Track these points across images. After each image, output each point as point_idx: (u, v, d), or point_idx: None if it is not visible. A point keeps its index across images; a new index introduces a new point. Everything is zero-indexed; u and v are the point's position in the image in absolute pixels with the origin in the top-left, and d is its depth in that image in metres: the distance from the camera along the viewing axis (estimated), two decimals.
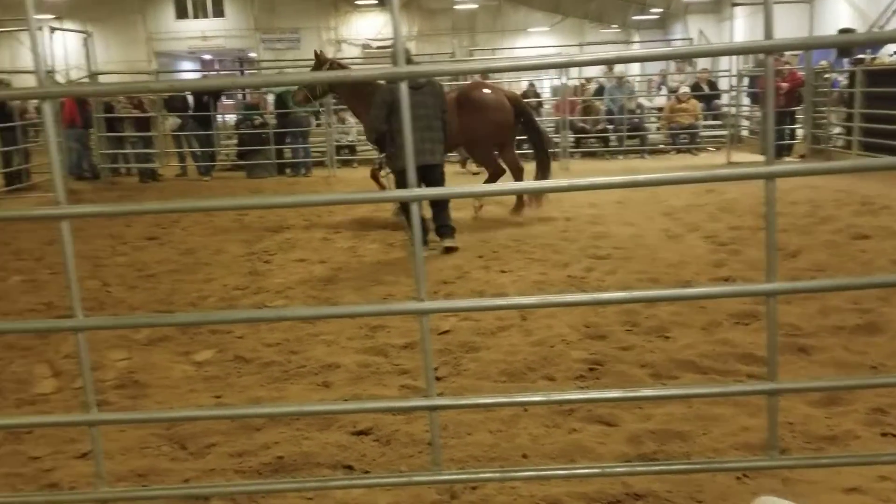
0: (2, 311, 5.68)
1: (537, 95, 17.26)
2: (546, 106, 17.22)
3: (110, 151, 13.92)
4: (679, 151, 15.22)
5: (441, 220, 7.10)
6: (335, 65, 9.41)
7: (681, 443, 3.25)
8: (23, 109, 14.01)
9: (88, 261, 7.23)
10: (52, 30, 13.72)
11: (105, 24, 29.07)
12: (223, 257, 7.29)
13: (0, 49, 31.00)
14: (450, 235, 7.10)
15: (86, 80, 13.83)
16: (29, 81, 15.37)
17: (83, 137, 14.17)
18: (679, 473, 2.89)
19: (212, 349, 4.68)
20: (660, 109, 16.26)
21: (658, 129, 16.32)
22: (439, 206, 7.11)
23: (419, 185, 6.64)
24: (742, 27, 22.18)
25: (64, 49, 14.92)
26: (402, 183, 7.05)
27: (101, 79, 14.29)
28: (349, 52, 30.87)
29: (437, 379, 3.91)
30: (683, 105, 15.05)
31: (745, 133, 16.19)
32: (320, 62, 9.01)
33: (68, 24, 21.56)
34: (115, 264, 7.13)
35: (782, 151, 13.32)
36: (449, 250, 6.97)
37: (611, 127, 15.38)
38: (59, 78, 17.25)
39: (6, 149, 12.86)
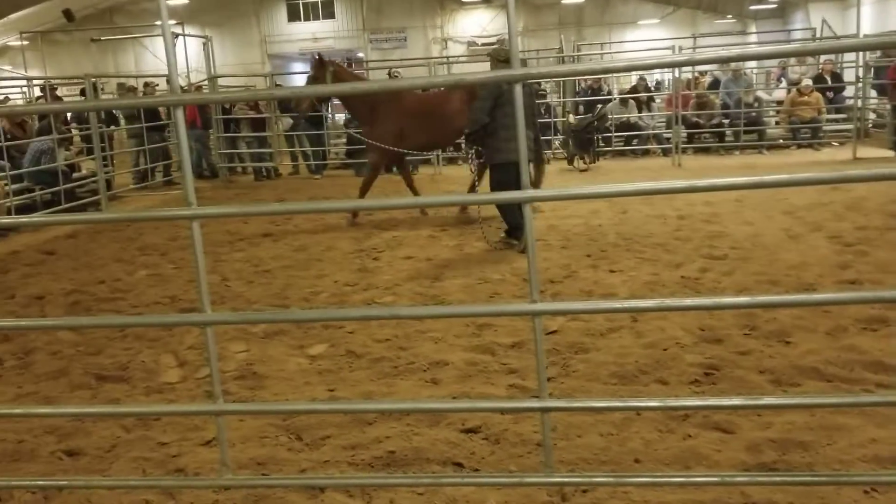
0: (130, 304, 6.04)
1: (648, 90, 16.84)
2: (657, 100, 16.78)
3: (227, 151, 14.56)
4: (800, 146, 14.51)
5: (515, 219, 7.12)
6: (339, 69, 9.42)
7: (803, 453, 3.12)
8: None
9: (208, 256, 7.58)
10: (175, 35, 14.46)
11: (222, 28, 30.44)
12: (334, 254, 7.49)
13: (125, 53, 33.00)
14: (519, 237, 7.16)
15: (205, 83, 14.50)
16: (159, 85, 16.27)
17: (203, 138, 14.88)
18: (803, 485, 2.77)
19: (325, 343, 4.83)
20: (779, 103, 15.53)
21: (777, 123, 15.60)
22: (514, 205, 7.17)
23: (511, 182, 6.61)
24: (869, 15, 20.87)
25: (185, 52, 15.69)
26: (500, 178, 7.07)
27: (220, 81, 14.93)
28: (455, 49, 31.08)
29: (547, 380, 3.89)
30: (805, 98, 14.31)
31: (871, 127, 15.25)
32: (323, 66, 8.95)
33: (189, 29, 22.71)
34: (232, 259, 7.45)
35: None
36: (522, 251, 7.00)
37: (726, 121, 14.82)
38: (181, 81, 18.14)
39: (139, 148, 13.71)
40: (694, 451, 3.15)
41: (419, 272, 6.54)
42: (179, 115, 2.61)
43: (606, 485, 2.82)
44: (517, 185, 3.78)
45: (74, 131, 13.63)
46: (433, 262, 6.91)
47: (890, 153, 12.67)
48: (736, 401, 2.51)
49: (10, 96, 19.04)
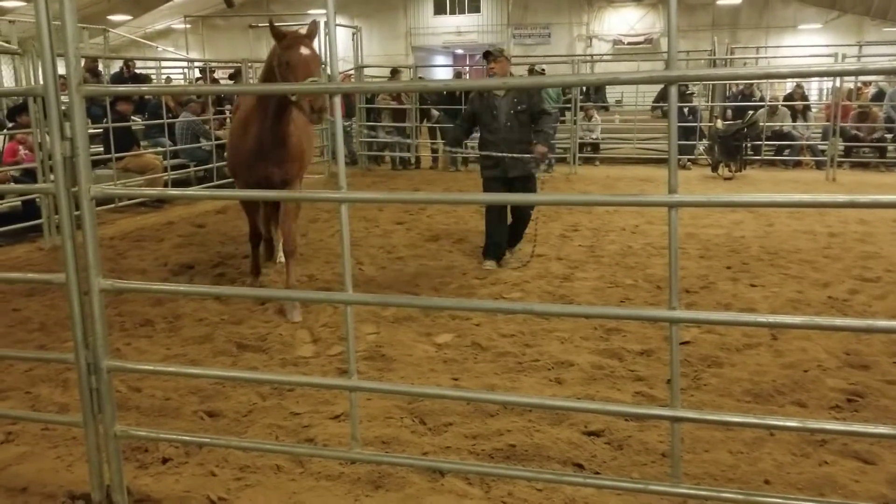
0: (272, 280, 6.36)
1: (804, 98, 15.95)
2: (814, 109, 15.85)
3: (369, 140, 15.01)
4: None
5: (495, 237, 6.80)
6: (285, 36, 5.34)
7: None
8: None
9: None
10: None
11: (370, 18, 31.28)
12: (464, 246, 7.59)
13: (267, 42, 34.59)
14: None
15: (352, 72, 14.98)
16: None
17: (346, 126, 15.41)
18: None
19: (451, 333, 4.92)
20: None
21: None
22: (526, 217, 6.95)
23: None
24: None
25: (336, 48, 16.33)
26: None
27: (366, 72, 15.38)
28: (599, 48, 30.57)
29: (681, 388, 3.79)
30: None
31: None
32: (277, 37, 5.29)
33: (339, 19, 23.48)
34: (367, 245, 7.69)
35: None
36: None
37: (889, 136, 13.81)
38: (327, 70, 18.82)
39: None
40: (830, 479, 3.00)
41: (548, 271, 6.52)
42: (337, 103, 2.75)
43: (734, 502, 2.72)
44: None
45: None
46: (563, 261, 6.87)
47: None
48: (882, 429, 2.37)
49: (173, 76, 20.40)
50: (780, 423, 2.63)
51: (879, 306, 5.26)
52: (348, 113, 15.19)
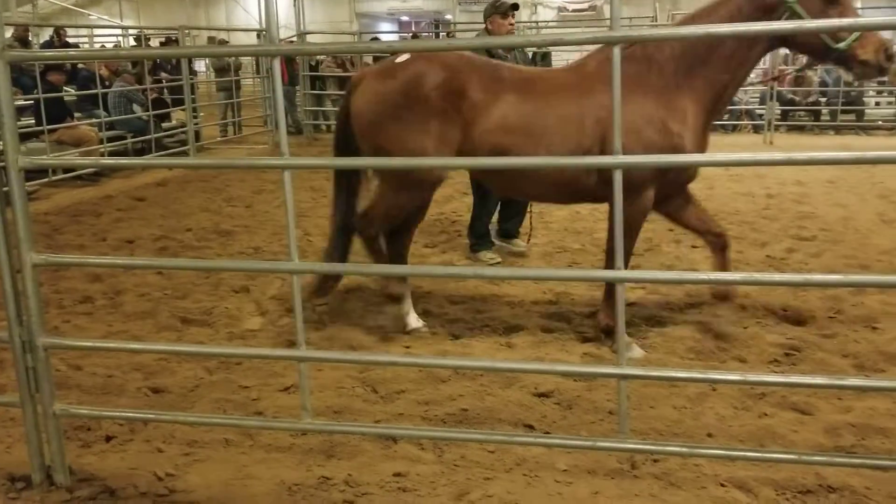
0: (215, 252, 6.25)
1: None
2: (752, 75, 16.11)
3: (313, 108, 14.77)
4: None
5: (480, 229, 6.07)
6: None
7: (884, 439, 3.05)
8: (237, 66, 15.19)
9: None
10: None
11: None
12: None
13: (217, 8, 33.64)
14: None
15: (293, 39, 14.68)
16: (242, 40, 16.59)
17: (290, 94, 15.12)
18: (882, 469, 2.71)
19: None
20: (881, 83, 14.72)
21: (878, 104, 14.80)
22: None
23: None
24: None
25: (274, 8, 15.97)
26: None
27: (308, 38, 15.09)
28: (544, 15, 30.52)
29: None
30: None
31: None
32: None
33: None
34: (315, 216, 7.58)
35: None
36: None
37: (823, 100, 14.16)
38: None
39: (228, 101, 14.08)
40: (769, 430, 3.10)
41: None
42: (276, 66, 2.68)
43: (678, 455, 2.80)
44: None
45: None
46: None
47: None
48: (818, 380, 2.45)
49: (106, 45, 19.74)
50: (722, 378, 2.71)
51: (815, 263, 5.43)
52: (291, 81, 14.92)
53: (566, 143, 3.80)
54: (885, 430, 3.09)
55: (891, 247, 5.80)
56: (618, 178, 2.47)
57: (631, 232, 3.85)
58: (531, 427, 3.23)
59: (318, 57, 14.55)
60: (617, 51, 2.35)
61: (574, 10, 28.78)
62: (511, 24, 5.80)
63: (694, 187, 8.09)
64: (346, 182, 4.36)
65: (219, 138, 13.93)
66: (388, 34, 30.18)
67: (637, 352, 3.88)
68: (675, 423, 3.20)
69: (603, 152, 3.65)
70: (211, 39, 17.42)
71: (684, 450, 2.50)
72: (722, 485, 2.73)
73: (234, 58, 14.54)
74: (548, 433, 3.17)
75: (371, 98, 4.01)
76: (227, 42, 17.24)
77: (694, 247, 6.01)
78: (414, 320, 4.40)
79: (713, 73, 3.81)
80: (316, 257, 6.02)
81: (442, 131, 3.89)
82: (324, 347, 4.19)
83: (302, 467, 2.97)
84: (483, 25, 5.95)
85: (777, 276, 2.55)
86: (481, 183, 5.23)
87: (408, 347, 4.17)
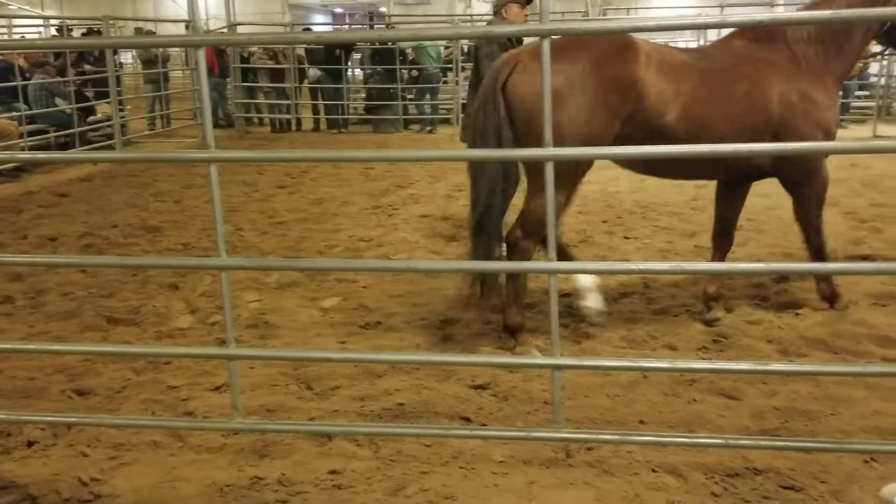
0: (143, 249, 6.08)
1: None
2: None
3: (245, 101, 14.49)
4: None
5: None
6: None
7: (806, 421, 3.15)
8: (165, 57, 14.78)
9: (223, 206, 7.50)
10: None
11: None
12: (350, 209, 7.49)
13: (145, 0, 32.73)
14: None
15: (224, 30, 14.37)
16: (171, 31, 16.16)
17: (220, 86, 14.80)
18: (804, 451, 2.80)
19: (338, 297, 4.86)
20: None
21: None
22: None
23: None
24: None
25: (204, 0, 15.59)
26: None
27: (239, 30, 14.79)
28: (479, 8, 30.62)
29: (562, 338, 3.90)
30: None
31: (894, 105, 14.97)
32: None
33: None
34: (248, 210, 7.46)
35: None
36: None
37: None
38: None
39: (155, 94, 13.69)
40: (699, 416, 3.18)
41: (435, 231, 6.54)
42: (201, 56, 2.60)
43: (611, 443, 2.85)
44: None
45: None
46: (450, 221, 6.90)
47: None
48: (744, 365, 2.52)
49: (27, 36, 18.95)
50: (652, 365, 2.75)
51: (741, 252, 5.58)
52: (222, 73, 14.61)
53: (744, 122, 3.85)
54: (807, 412, 3.19)
55: None
56: (549, 170, 2.49)
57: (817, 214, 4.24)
58: (468, 419, 3.24)
59: (250, 48, 14.27)
60: (546, 43, 2.36)
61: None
62: (526, 17, 5.52)
63: (627, 180, 8.25)
64: (505, 180, 3.84)
65: (147, 132, 13.54)
66: (321, 26, 29.85)
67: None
68: (609, 411, 3.25)
69: (771, 126, 3.85)
70: (138, 30, 16.90)
71: (616, 437, 2.54)
72: (654, 470, 2.79)
73: (161, 49, 14.15)
74: (484, 425, 3.18)
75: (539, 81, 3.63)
76: (154, 33, 16.77)
77: (626, 238, 6.12)
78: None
79: (845, 58, 4.12)
80: (248, 252, 5.92)
81: (615, 113, 3.65)
82: (257, 345, 4.11)
83: (234, 468, 2.90)
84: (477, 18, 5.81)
85: (703, 266, 2.62)
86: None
87: (343, 343, 4.13)
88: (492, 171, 3.76)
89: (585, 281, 3.97)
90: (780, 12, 9.18)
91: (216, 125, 14.42)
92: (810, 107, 3.97)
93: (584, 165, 3.83)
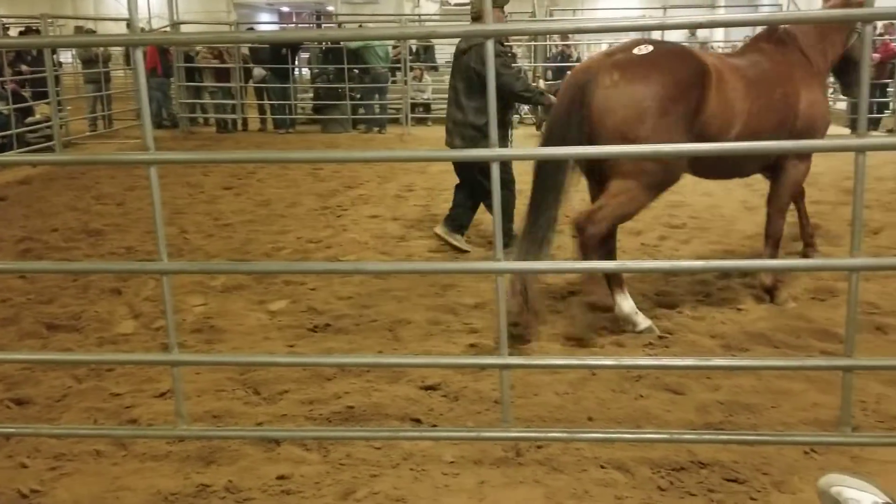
0: (84, 254, 5.93)
1: None
2: None
3: (189, 101, 14.23)
4: None
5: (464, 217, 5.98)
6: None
7: (749, 415, 3.22)
8: (107, 57, 14.44)
9: (167, 208, 7.45)
10: None
11: None
12: (298, 210, 7.42)
13: None
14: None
15: (167, 29, 14.11)
16: (112, 30, 15.79)
17: (164, 86, 14.52)
18: (747, 444, 2.87)
19: (286, 300, 4.80)
20: None
21: None
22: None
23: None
24: None
25: None
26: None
27: (183, 29, 14.52)
28: (427, 8, 30.62)
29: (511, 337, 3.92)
30: None
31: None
32: None
33: None
34: (193, 212, 7.34)
35: (870, 125, 12.69)
36: None
37: None
38: (142, 27, 17.68)
39: (96, 94, 13.36)
40: (645, 411, 3.22)
41: (385, 231, 6.52)
42: (139, 56, 2.55)
43: (560, 440, 2.87)
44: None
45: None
46: (399, 221, 6.89)
47: (846, 132, 12.91)
48: (688, 361, 2.57)
49: None
50: (598, 363, 2.79)
51: (685, 250, 5.70)
52: (166, 72, 14.33)
53: (783, 125, 4.24)
54: (750, 405, 3.27)
55: (753, 232, 6.15)
56: (495, 170, 2.50)
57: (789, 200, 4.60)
58: (418, 421, 3.23)
59: (196, 47, 14.03)
60: (490, 44, 2.37)
61: (456, 4, 29.01)
62: (503, 18, 5.72)
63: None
64: (562, 180, 3.95)
65: (88, 133, 13.21)
66: (267, 25, 29.50)
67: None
68: (558, 408, 3.28)
69: (798, 124, 4.26)
70: (78, 29, 16.45)
71: (565, 435, 2.56)
72: (602, 466, 2.82)
73: (102, 48, 13.81)
74: (434, 426, 3.17)
75: (631, 94, 3.78)
76: (95, 32, 16.33)
77: (574, 236, 6.16)
78: (643, 319, 4.10)
79: (828, 62, 4.56)
80: (193, 255, 5.81)
81: (687, 131, 3.82)
82: (203, 350, 4.04)
83: (179, 475, 2.84)
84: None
85: (647, 264, 2.68)
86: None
87: (291, 346, 4.08)
88: (554, 176, 3.88)
89: (624, 310, 4.14)
90: (721, 14, 9.42)
91: (160, 126, 14.15)
92: (822, 106, 4.48)
93: (674, 175, 4.04)
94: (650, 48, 3.88)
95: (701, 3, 30.14)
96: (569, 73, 4.64)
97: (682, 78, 3.83)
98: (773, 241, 4.59)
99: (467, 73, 5.50)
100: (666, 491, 2.69)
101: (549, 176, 3.90)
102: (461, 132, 5.56)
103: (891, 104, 13.32)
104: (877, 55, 12.60)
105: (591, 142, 3.77)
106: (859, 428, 3.03)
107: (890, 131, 12.75)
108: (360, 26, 16.69)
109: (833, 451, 2.87)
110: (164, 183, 8.65)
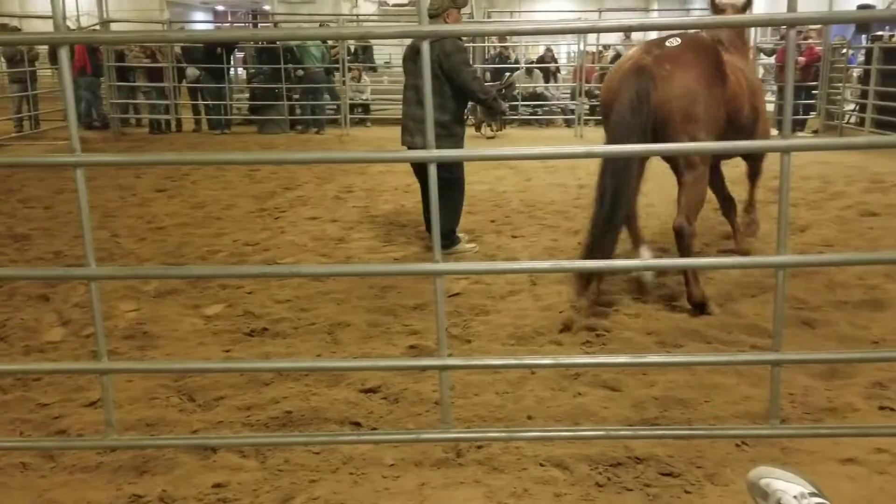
0: (11, 259, 5.71)
1: (554, 60, 17.06)
2: (563, 72, 17.03)
3: (121, 101, 13.85)
4: None
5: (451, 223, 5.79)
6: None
7: (683, 409, 3.28)
8: (33, 56, 13.96)
9: (98, 211, 7.25)
10: None
11: None
12: (234, 212, 7.29)
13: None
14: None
15: (97, 27, 13.72)
16: (39, 28, 15.25)
17: (94, 86, 14.11)
18: (681, 438, 2.93)
19: (221, 304, 4.71)
20: None
21: None
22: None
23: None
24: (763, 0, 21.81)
25: None
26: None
27: (113, 27, 14.13)
28: (365, 9, 30.49)
29: (448, 339, 3.92)
30: None
31: None
32: None
33: None
34: (124, 216, 7.14)
35: (796, 126, 13.19)
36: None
37: None
38: (70, 25, 17.14)
39: (22, 94, 12.90)
40: (583, 408, 3.26)
41: (324, 233, 6.45)
42: (63, 55, 2.46)
43: (499, 440, 2.88)
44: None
45: None
46: (338, 223, 6.84)
47: (774, 132, 13.35)
48: (622, 359, 2.61)
49: None
50: (536, 362, 2.81)
51: (620, 248, 5.78)
52: (95, 72, 13.92)
53: (757, 109, 4.82)
54: (684, 400, 3.33)
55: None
56: (432, 171, 2.50)
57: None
58: (358, 424, 3.20)
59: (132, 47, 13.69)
60: (426, 45, 2.36)
61: (394, 5, 28.97)
62: (461, 18, 5.84)
63: (514, 180, 8.42)
64: (634, 177, 4.44)
65: (14, 134, 12.74)
66: (202, 24, 28.93)
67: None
68: (498, 408, 3.29)
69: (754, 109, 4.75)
70: (3, 27, 15.87)
71: (504, 434, 2.57)
72: (541, 464, 2.84)
73: (27, 47, 13.33)
74: (374, 429, 3.15)
75: (689, 82, 4.25)
76: (20, 30, 15.77)
77: (514, 236, 6.23)
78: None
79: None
80: (125, 260, 5.66)
81: (724, 107, 4.37)
82: (135, 357, 3.93)
83: (111, 487, 2.75)
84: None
85: (582, 263, 2.73)
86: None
87: (227, 351, 4.00)
88: (626, 169, 4.21)
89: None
90: (654, 17, 9.64)
91: (90, 126, 13.74)
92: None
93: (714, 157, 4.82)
94: (678, 40, 4.40)
95: (635, 7, 30.85)
96: (610, 71, 5.12)
97: (713, 62, 4.36)
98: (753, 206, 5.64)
99: (431, 70, 5.43)
100: (604, 487, 2.72)
101: (619, 170, 4.20)
102: (423, 129, 5.50)
103: (816, 106, 13.82)
104: (802, 58, 13.08)
105: (658, 127, 4.21)
106: (788, 420, 3.13)
107: (815, 132, 13.22)
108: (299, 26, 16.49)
109: (763, 443, 2.95)
110: (95, 185, 8.46)
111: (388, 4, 29.95)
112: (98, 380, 3.43)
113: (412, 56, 5.67)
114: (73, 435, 3.13)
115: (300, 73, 13.79)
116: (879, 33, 12.39)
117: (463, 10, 5.90)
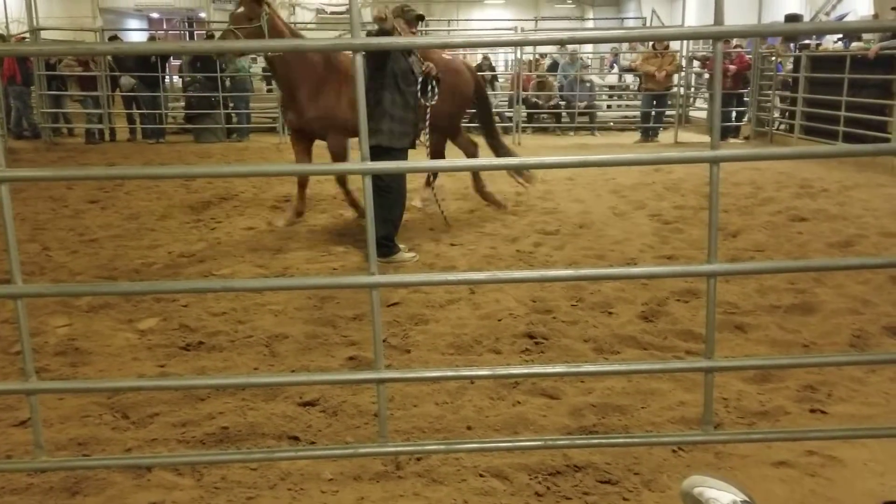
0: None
1: (492, 69, 17.23)
2: (501, 80, 17.21)
3: (52, 110, 13.44)
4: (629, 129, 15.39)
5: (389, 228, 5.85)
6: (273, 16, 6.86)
7: (620, 416, 3.34)
8: None
9: (28, 223, 7.03)
10: None
11: None
12: (169, 223, 7.15)
13: None
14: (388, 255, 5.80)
15: (27, 35, 13.31)
16: None
17: (23, 95, 13.68)
18: (618, 446, 2.98)
19: (156, 317, 4.61)
20: (611, 87, 16.38)
21: (609, 107, 16.41)
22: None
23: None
24: (694, 8, 22.44)
25: (3, 3, 14.31)
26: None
27: (44, 35, 13.73)
28: (303, 16, 30.24)
29: (387, 350, 3.92)
30: (658, 58, 13.55)
31: (692, 113, 16.47)
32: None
33: None
34: (55, 228, 6.94)
35: (728, 133, 13.59)
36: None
37: (563, 103, 15.45)
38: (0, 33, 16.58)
39: None
40: (522, 417, 3.30)
41: (261, 244, 6.37)
42: None
43: (438, 452, 2.89)
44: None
45: None
46: (275, 233, 6.76)
47: (707, 138, 13.73)
48: (559, 368, 2.65)
49: None
50: (474, 373, 2.83)
51: (559, 256, 5.89)
52: (25, 81, 13.49)
53: None
54: (621, 407, 3.40)
55: (622, 237, 6.44)
56: (368, 184, 2.50)
57: None
58: (297, 439, 3.17)
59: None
60: (359, 58, 2.37)
61: (332, 13, 28.84)
62: (414, 33, 6.00)
63: (452, 188, 8.45)
64: None
65: None
66: (136, 32, 28.28)
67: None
68: (437, 419, 3.30)
69: None
70: None
71: (442, 447, 2.58)
72: (481, 475, 2.86)
73: None
74: (313, 443, 3.13)
75: None
76: None
77: (453, 244, 6.26)
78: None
79: None
80: (56, 274, 5.49)
81: None
82: (67, 375, 3.82)
83: None
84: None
85: (517, 273, 2.76)
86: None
87: (162, 367, 3.92)
88: None
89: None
90: (590, 25, 9.80)
91: (21, 136, 13.30)
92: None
93: None
94: None
95: (570, 16, 31.37)
96: None
97: None
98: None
99: (392, 78, 5.79)
100: (543, 496, 2.76)
101: None
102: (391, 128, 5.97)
103: (747, 113, 14.26)
104: (733, 66, 13.50)
105: None
106: (722, 424, 3.22)
107: (747, 139, 13.65)
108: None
109: (698, 449, 3.02)
110: (25, 197, 8.20)
111: (325, 13, 29.79)
112: (27, 400, 3.34)
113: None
114: (2, 456, 3.03)
115: (227, 82, 13.65)
116: (807, 42, 12.87)
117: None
